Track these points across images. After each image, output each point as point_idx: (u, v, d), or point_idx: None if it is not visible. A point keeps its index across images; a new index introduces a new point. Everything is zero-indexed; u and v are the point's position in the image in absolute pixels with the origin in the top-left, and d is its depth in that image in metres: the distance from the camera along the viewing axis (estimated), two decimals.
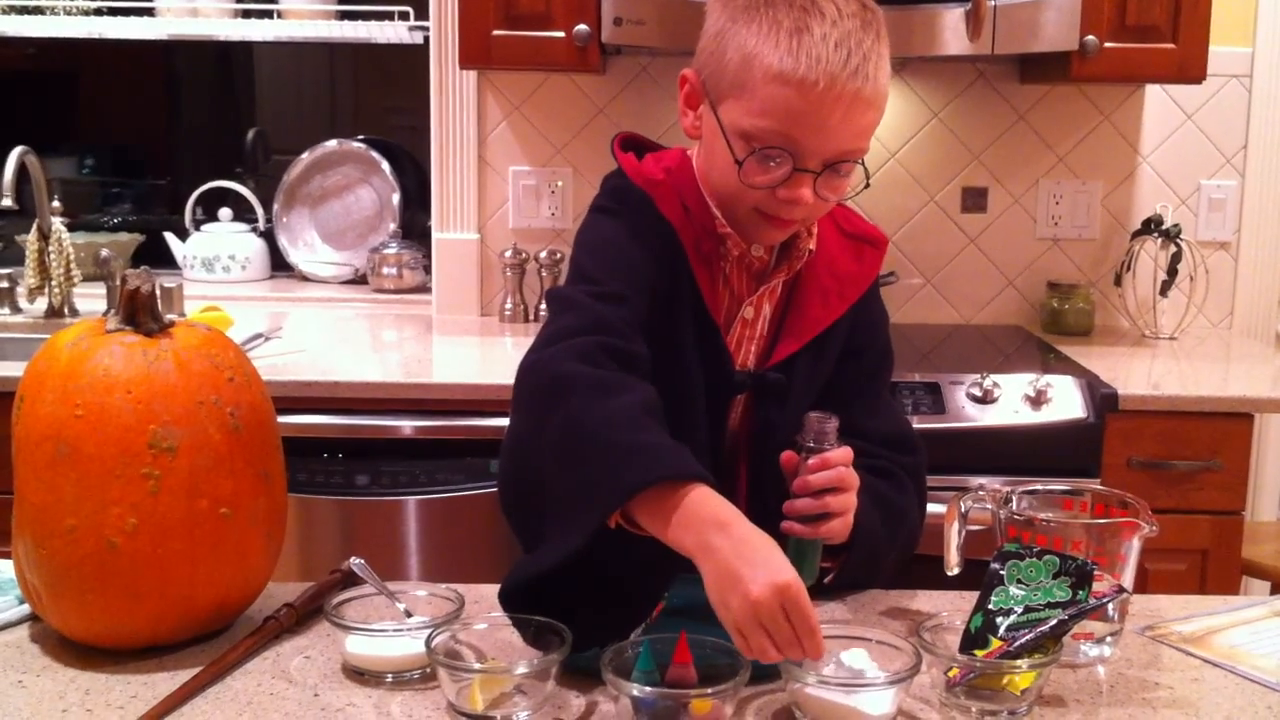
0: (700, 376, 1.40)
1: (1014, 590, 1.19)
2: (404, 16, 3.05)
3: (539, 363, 1.26)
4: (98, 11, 3.11)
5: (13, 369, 2.32)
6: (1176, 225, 2.84)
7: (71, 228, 2.92)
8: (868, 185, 1.37)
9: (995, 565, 1.21)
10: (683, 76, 1.39)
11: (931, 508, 1.97)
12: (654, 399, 1.23)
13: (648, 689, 1.05)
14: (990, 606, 1.18)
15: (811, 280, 1.45)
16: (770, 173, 1.31)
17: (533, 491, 1.26)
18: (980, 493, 1.33)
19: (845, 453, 1.30)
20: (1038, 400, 2.34)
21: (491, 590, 1.40)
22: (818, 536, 1.29)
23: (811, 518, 1.29)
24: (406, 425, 2.29)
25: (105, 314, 1.35)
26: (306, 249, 3.26)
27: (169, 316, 1.28)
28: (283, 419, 1.33)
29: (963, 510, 1.34)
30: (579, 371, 1.22)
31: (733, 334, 1.45)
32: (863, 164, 1.35)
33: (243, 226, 3.25)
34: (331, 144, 3.25)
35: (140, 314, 1.24)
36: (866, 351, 1.51)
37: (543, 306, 2.89)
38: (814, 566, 1.31)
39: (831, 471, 1.28)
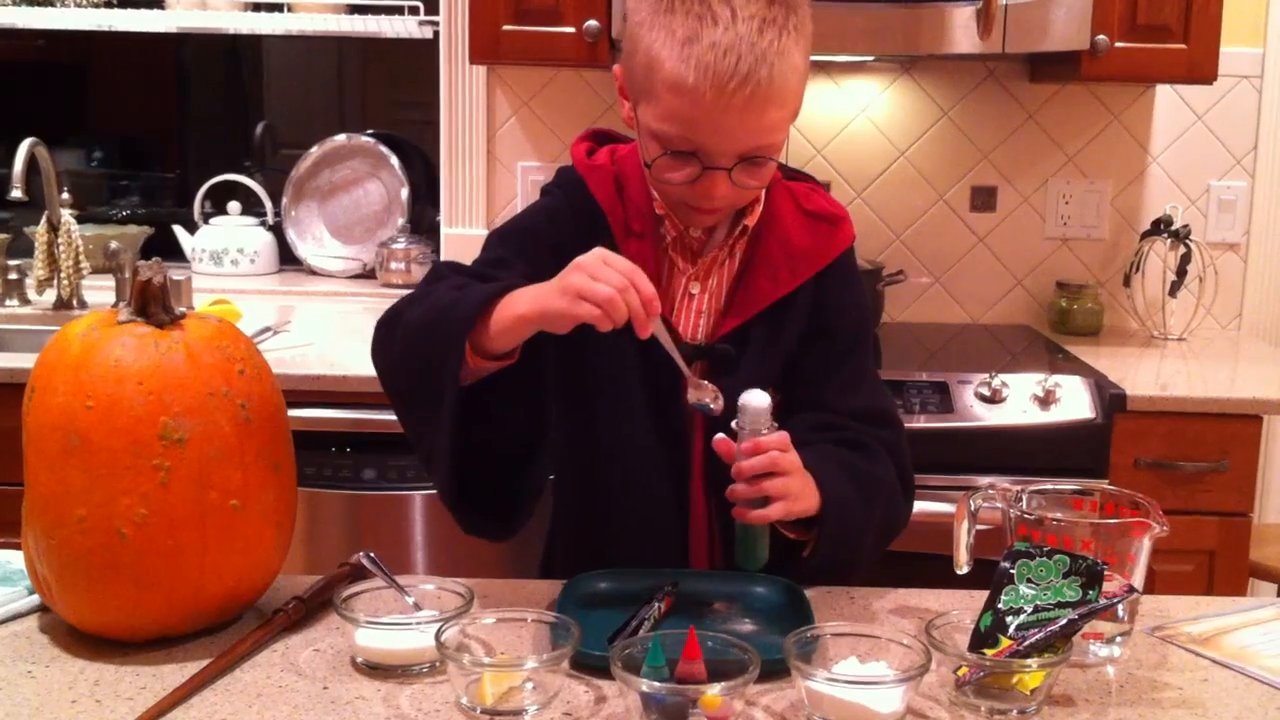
0: (634, 347, 1.41)
1: (1024, 589, 1.18)
2: (414, 11, 3.05)
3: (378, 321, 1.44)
4: (107, 4, 3.11)
5: (21, 360, 2.33)
6: (1186, 226, 2.84)
7: (80, 220, 2.92)
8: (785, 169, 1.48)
9: (1005, 564, 1.21)
10: (615, 70, 1.45)
11: (941, 506, 1.98)
12: (462, 280, 1.40)
13: (657, 684, 1.05)
14: (1000, 605, 1.18)
15: (762, 256, 1.49)
16: (681, 170, 1.36)
17: (407, 412, 1.43)
18: (990, 492, 1.33)
19: (779, 437, 1.31)
20: (1046, 400, 2.34)
21: (500, 585, 1.41)
22: (756, 522, 1.30)
23: (754, 503, 1.29)
24: None
25: (116, 305, 1.35)
26: (315, 243, 3.26)
27: (180, 308, 1.28)
28: (290, 412, 1.32)
29: (972, 509, 1.33)
30: (402, 301, 1.42)
31: (679, 310, 1.49)
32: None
33: (251, 220, 3.25)
34: (340, 138, 3.25)
35: (152, 305, 1.24)
36: (837, 330, 1.52)
37: None
38: (763, 550, 1.32)
39: (764, 456, 1.29)
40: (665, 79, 1.31)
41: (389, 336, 1.41)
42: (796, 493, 1.32)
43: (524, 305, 1.28)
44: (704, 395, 1.34)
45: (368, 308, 3.01)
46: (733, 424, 1.31)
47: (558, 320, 1.26)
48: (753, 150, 1.34)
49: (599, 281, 1.22)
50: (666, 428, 1.46)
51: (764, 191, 1.49)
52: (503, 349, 1.32)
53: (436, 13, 2.98)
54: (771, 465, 1.29)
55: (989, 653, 1.15)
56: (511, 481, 1.46)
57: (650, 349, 1.44)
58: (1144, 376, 2.50)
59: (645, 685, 1.05)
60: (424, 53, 3.09)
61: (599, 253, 1.26)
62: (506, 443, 1.44)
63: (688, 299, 1.49)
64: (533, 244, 1.48)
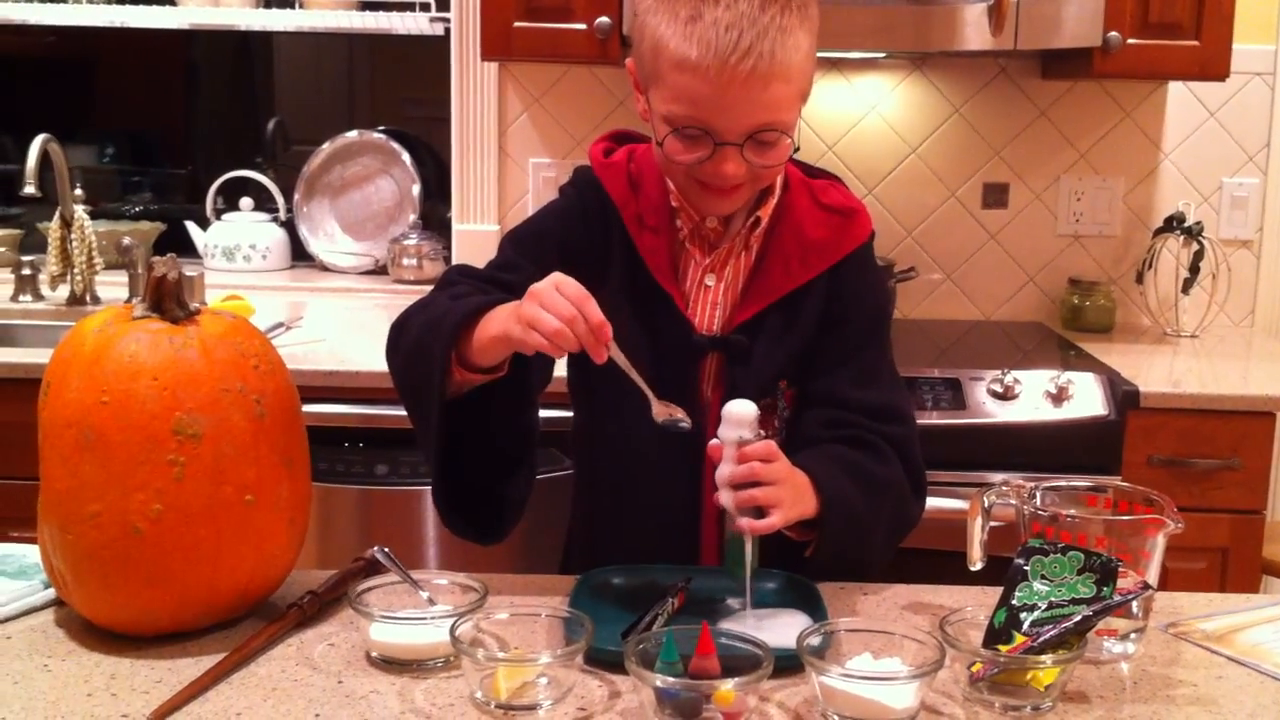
0: (644, 339, 1.45)
1: (1038, 586, 1.18)
2: (425, 8, 3.06)
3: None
4: (119, 0, 3.12)
5: (35, 355, 2.34)
6: (1198, 223, 2.83)
7: (93, 216, 2.92)
8: (796, 149, 1.45)
9: (1019, 561, 1.21)
10: (628, 64, 1.46)
11: (954, 503, 1.97)
12: (466, 289, 1.41)
13: (671, 680, 1.05)
14: (1014, 602, 1.18)
15: (777, 248, 1.50)
16: (692, 151, 1.38)
17: (411, 413, 1.45)
18: (1004, 488, 1.33)
19: (763, 446, 1.30)
20: (1059, 397, 2.34)
21: (514, 580, 1.41)
22: (739, 532, 1.29)
23: (744, 511, 1.29)
24: None
25: (130, 301, 1.36)
26: (327, 239, 3.27)
27: (194, 304, 1.28)
28: (303, 408, 1.33)
29: (986, 506, 1.33)
30: (412, 307, 1.45)
31: (694, 301, 1.50)
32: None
33: (263, 216, 3.25)
34: (352, 134, 3.26)
35: (166, 301, 1.25)
36: (850, 321, 1.52)
37: None
38: (753, 559, 1.30)
39: (744, 466, 1.28)
40: (670, 58, 1.33)
41: (395, 343, 1.44)
42: (787, 501, 1.30)
43: (495, 327, 1.31)
44: (673, 413, 1.34)
45: (379, 304, 3.01)
46: (718, 432, 1.30)
47: (518, 345, 1.28)
48: (760, 126, 1.35)
49: (548, 311, 1.24)
50: (690, 409, 1.46)
51: (781, 186, 1.50)
52: (485, 364, 1.34)
53: (448, 9, 2.98)
54: (751, 475, 1.28)
55: (1003, 649, 1.15)
56: (496, 491, 1.47)
57: (662, 347, 1.44)
58: (1157, 373, 2.50)
59: (659, 681, 1.05)
60: (435, 49, 3.09)
61: (553, 279, 1.26)
62: (493, 452, 1.46)
63: (703, 290, 1.50)
64: (541, 245, 1.50)
